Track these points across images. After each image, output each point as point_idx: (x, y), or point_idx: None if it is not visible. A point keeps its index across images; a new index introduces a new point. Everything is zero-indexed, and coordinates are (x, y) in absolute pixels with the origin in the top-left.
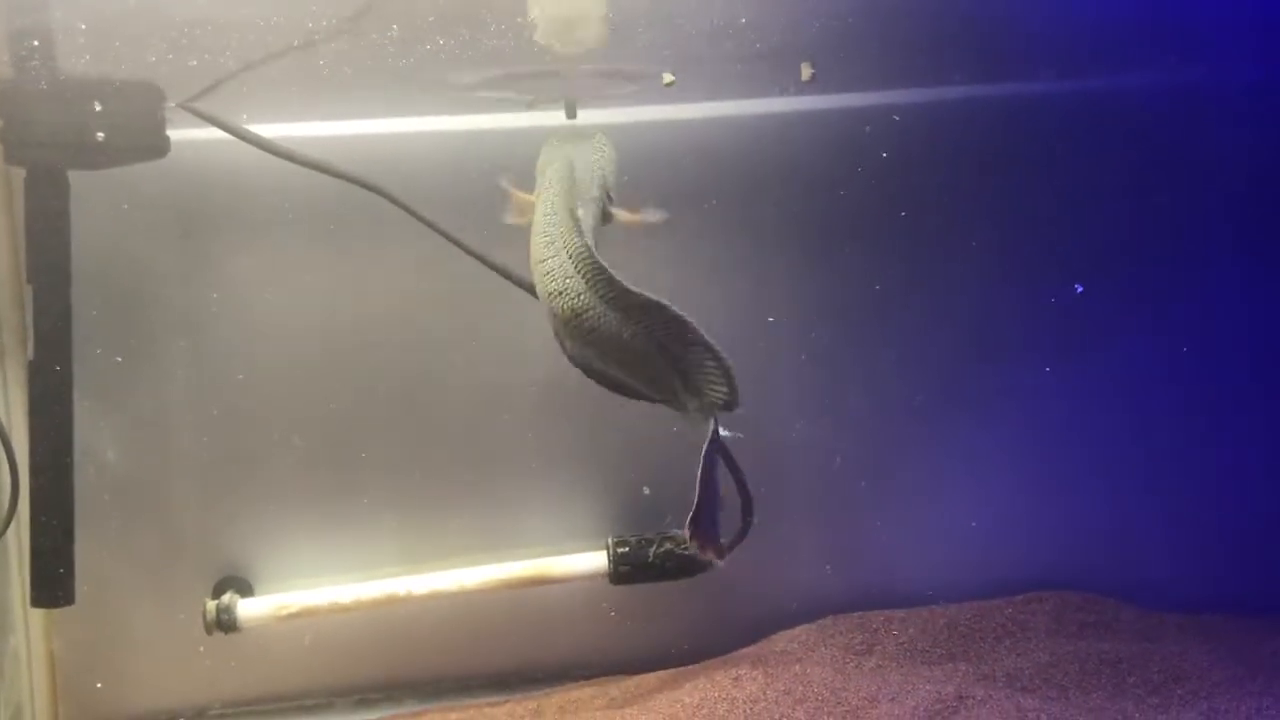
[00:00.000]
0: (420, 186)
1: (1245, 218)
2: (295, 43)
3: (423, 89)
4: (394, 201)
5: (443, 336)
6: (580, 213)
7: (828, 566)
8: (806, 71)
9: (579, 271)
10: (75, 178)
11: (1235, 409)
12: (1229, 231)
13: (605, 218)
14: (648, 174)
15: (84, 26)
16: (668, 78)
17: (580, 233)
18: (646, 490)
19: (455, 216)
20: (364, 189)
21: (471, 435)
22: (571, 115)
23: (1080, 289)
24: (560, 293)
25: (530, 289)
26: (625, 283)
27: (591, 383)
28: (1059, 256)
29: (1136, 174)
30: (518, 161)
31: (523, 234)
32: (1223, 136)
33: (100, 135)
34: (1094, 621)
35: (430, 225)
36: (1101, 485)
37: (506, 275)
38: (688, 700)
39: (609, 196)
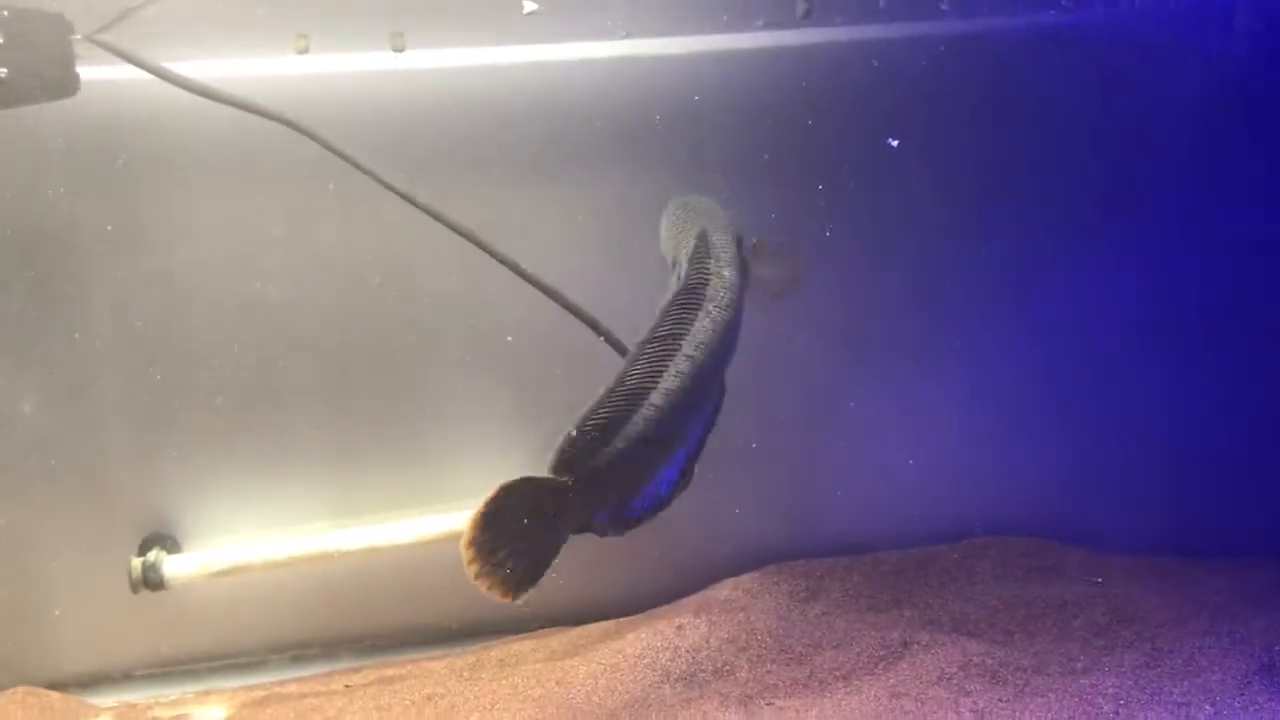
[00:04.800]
0: (353, 127)
1: (1195, 154)
2: None
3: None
4: (323, 144)
5: (376, 285)
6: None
7: (771, 514)
8: (801, 7)
9: None
10: None
11: (1180, 352)
12: (1179, 169)
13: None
14: (598, 113)
15: None
16: (528, 6)
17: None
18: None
19: (387, 159)
20: (292, 130)
21: (406, 386)
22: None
23: (893, 142)
24: None
25: (461, 231)
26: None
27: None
28: (1005, 195)
29: (1083, 109)
30: (457, 101)
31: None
32: (1169, 68)
33: (2, 72)
34: (1040, 565)
35: (357, 166)
36: (1047, 430)
37: (439, 218)
38: (630, 650)
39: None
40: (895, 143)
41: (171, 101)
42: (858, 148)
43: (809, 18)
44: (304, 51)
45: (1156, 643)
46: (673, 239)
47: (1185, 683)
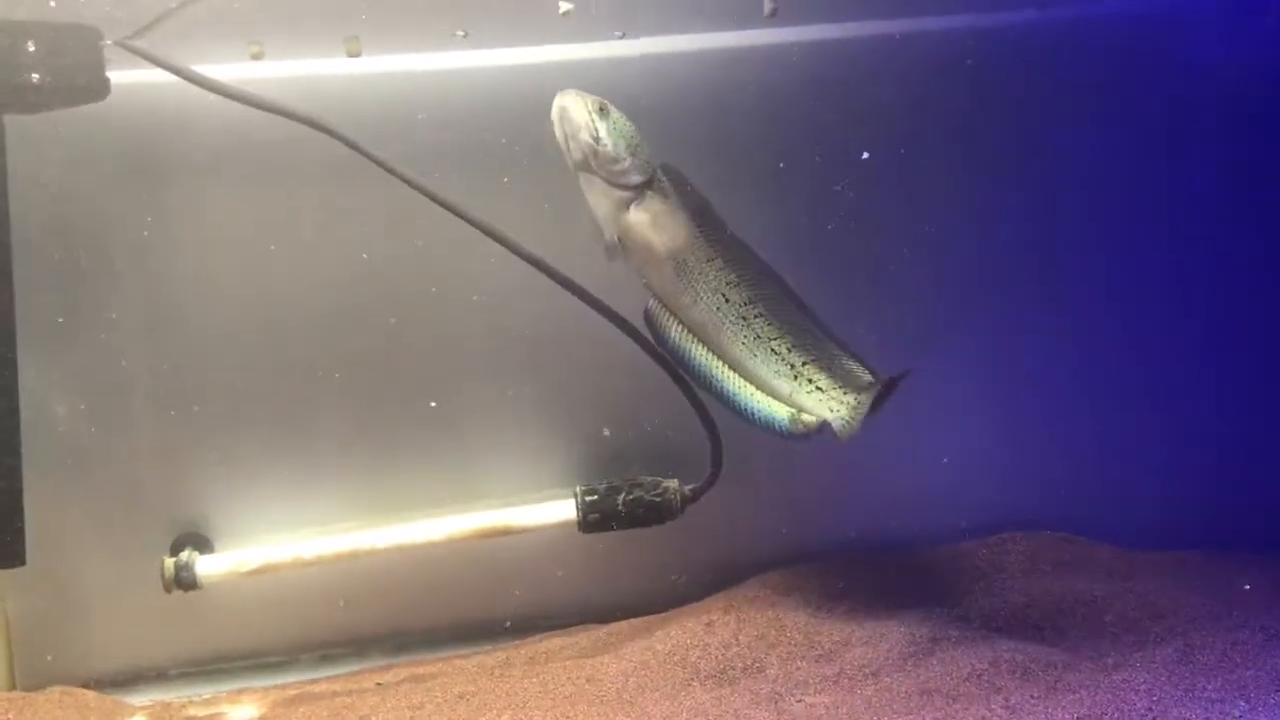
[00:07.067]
0: (379, 128)
1: (1217, 149)
2: None
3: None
4: (349, 144)
5: (403, 284)
6: None
7: (801, 511)
8: (768, 6)
9: None
10: (10, 122)
11: (1208, 347)
12: (1201, 163)
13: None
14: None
15: None
16: (564, 6)
17: None
18: (606, 432)
19: (415, 160)
20: (318, 131)
21: (433, 385)
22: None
23: (865, 155)
24: None
25: (487, 229)
26: None
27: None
28: (1026, 192)
29: (1105, 103)
30: (486, 101)
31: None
32: (1192, 59)
33: (35, 77)
34: (1069, 561)
35: (385, 167)
36: (1075, 425)
37: (459, 213)
38: (660, 648)
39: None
40: (866, 155)
41: (203, 104)
42: (884, 142)
43: (775, 16)
44: (258, 57)
45: (1189, 638)
46: (636, 144)
47: (1219, 679)
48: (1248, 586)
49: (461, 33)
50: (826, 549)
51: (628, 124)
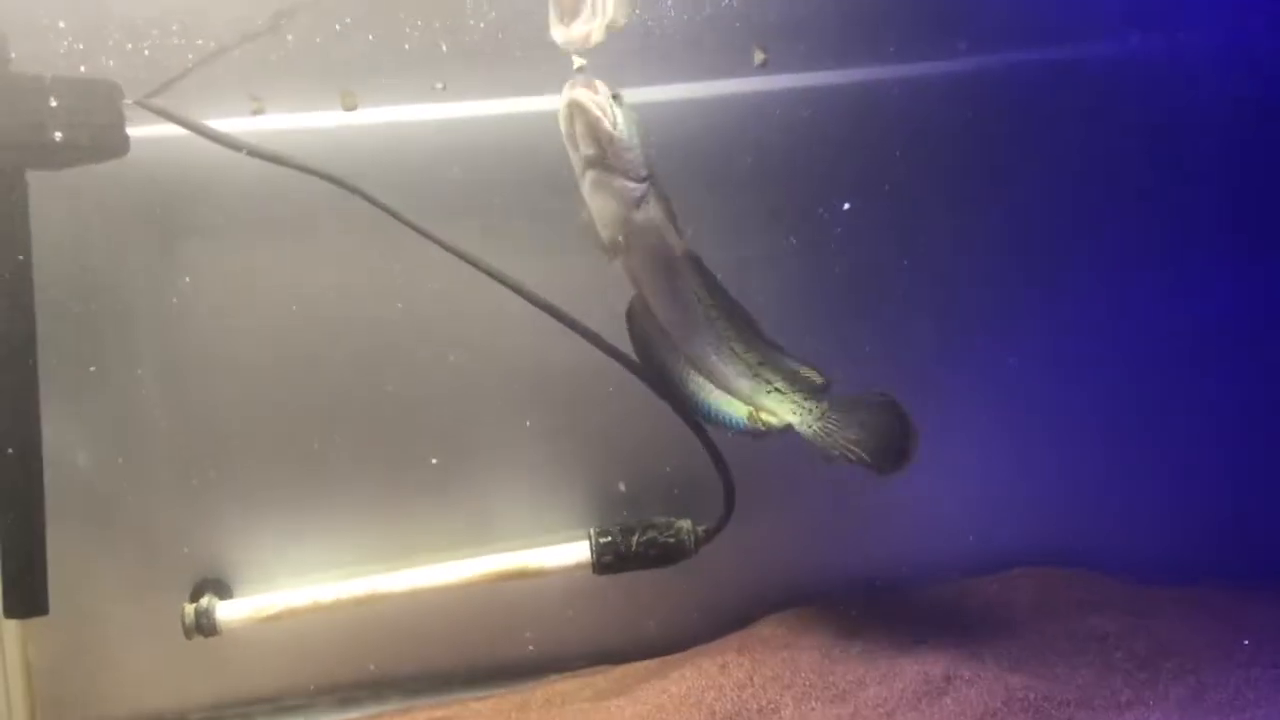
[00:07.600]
0: (392, 178)
1: (1218, 190)
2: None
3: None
4: (360, 194)
5: (418, 332)
6: None
7: (812, 551)
8: (759, 56)
9: None
10: (34, 178)
11: (1218, 380)
12: (1204, 202)
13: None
14: None
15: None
16: (578, 61)
17: None
18: (622, 487)
19: (427, 208)
20: (330, 183)
21: (449, 431)
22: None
23: (845, 206)
24: None
25: (498, 277)
26: None
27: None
28: (1033, 232)
29: (1109, 146)
30: (489, 150)
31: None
32: (1194, 104)
33: (58, 134)
34: (1080, 597)
35: (397, 217)
36: (1084, 459)
37: (476, 265)
38: (674, 690)
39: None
40: (847, 206)
41: (219, 158)
42: (892, 187)
43: (765, 66)
44: (259, 112)
45: (1201, 676)
46: (642, 133)
47: (1232, 718)
48: (1260, 624)
49: (440, 85)
50: (839, 588)
51: (635, 113)
